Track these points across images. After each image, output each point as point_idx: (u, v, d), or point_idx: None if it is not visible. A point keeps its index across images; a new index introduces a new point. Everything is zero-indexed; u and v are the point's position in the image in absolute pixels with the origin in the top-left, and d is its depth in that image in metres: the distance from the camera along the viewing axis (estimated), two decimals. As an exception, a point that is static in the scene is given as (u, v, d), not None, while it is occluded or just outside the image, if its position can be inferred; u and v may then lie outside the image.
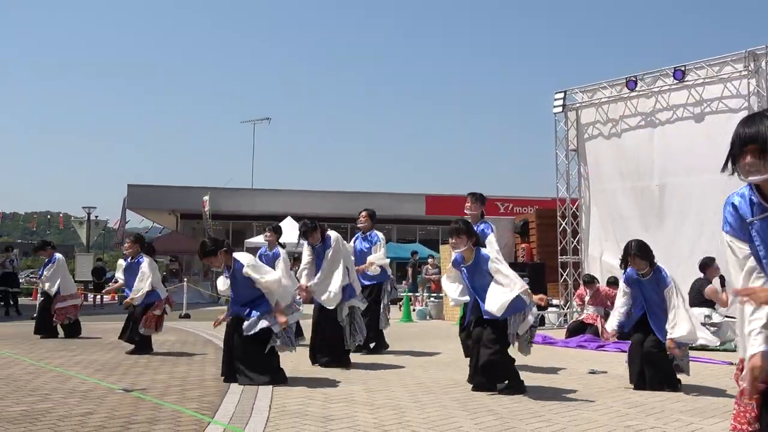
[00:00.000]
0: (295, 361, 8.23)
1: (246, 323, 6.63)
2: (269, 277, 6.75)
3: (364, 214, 9.71)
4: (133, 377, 7.03)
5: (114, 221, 36.40)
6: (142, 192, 32.03)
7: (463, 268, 6.48)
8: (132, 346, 9.15)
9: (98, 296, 23.90)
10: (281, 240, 10.37)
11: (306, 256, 8.13)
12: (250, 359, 6.63)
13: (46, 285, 11.72)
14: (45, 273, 11.83)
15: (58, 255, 12.02)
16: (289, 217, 23.95)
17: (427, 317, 18.17)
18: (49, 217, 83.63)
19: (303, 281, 8.01)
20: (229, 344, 6.79)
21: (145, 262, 9.28)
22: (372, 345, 9.33)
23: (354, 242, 9.66)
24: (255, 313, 6.65)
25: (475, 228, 7.99)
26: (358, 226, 9.72)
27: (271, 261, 10.17)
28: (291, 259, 10.45)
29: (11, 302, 18.90)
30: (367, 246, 9.48)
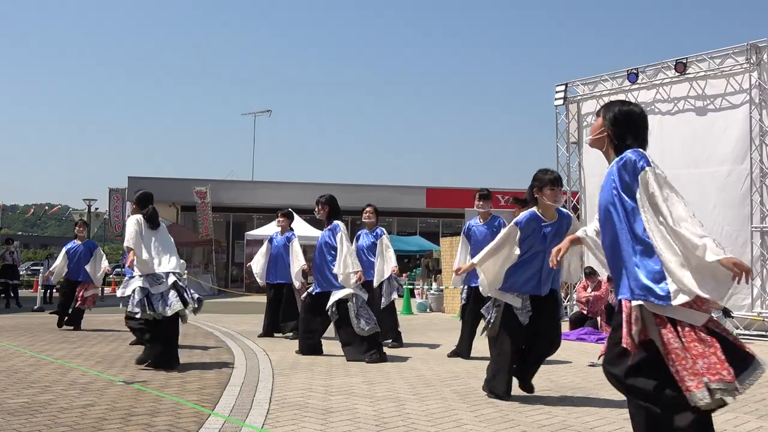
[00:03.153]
0: (296, 353, 8.26)
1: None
2: None
3: (370, 209, 9.63)
4: (133, 369, 7.04)
5: (114, 213, 36.36)
6: (143, 184, 31.95)
7: (546, 227, 5.64)
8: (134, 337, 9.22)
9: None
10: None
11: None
12: None
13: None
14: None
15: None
16: (289, 210, 23.90)
17: (428, 310, 18.19)
18: (46, 208, 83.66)
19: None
20: None
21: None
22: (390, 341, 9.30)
23: (357, 239, 9.61)
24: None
25: (492, 223, 8.24)
26: (365, 221, 9.65)
27: (282, 245, 10.39)
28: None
29: (11, 294, 18.90)
30: (373, 240, 9.44)
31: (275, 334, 10.48)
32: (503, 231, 5.78)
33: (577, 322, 11.98)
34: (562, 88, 14.79)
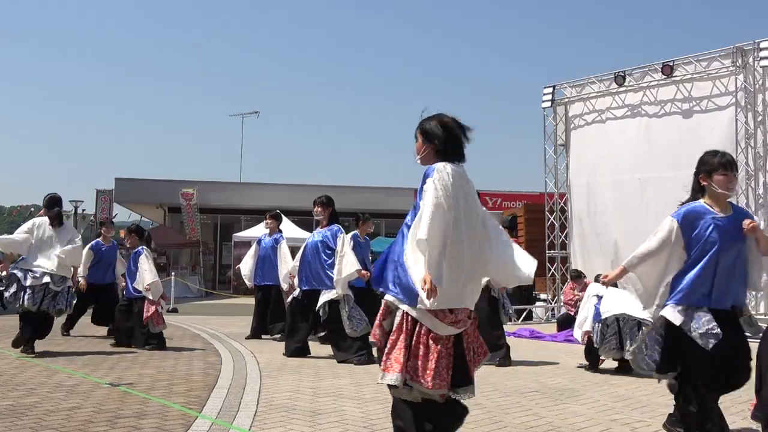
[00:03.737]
0: (283, 355, 8.24)
1: None
2: None
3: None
4: (119, 372, 7.00)
5: (101, 215, 36.18)
6: (130, 186, 31.83)
7: (718, 221, 4.29)
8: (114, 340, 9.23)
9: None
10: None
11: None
12: None
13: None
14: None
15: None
16: (277, 211, 23.84)
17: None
18: (32, 209, 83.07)
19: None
20: None
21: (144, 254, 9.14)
22: None
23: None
24: None
25: None
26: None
27: (270, 247, 10.40)
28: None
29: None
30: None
31: (263, 336, 10.45)
32: (660, 227, 4.42)
33: (565, 323, 12.01)
34: (550, 90, 14.87)
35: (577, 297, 12.12)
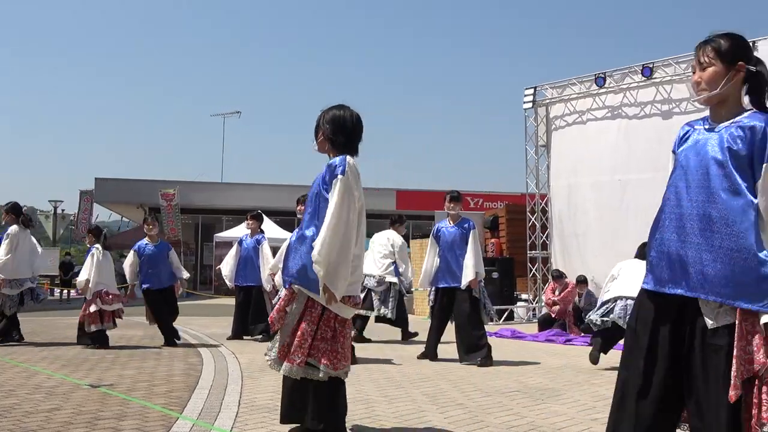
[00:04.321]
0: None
1: None
2: None
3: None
4: (99, 373, 6.95)
5: (75, 214, 35.91)
6: (110, 186, 31.62)
7: None
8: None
9: (65, 291, 23.62)
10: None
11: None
12: None
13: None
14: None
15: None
16: (258, 212, 23.77)
17: (397, 312, 18.17)
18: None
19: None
20: None
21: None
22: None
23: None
24: None
25: (462, 224, 8.29)
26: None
27: (252, 247, 10.41)
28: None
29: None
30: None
31: (244, 337, 10.42)
32: None
33: (546, 323, 12.09)
34: (531, 91, 14.93)
35: (556, 297, 12.20)
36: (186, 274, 10.37)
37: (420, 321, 13.63)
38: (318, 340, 3.96)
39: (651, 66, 12.72)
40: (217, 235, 26.83)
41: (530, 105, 14.93)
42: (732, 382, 2.57)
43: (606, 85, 13.48)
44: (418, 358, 8.36)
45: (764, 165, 2.63)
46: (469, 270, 7.94)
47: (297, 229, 4.28)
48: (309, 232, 4.08)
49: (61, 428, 4.52)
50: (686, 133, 3.03)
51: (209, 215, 32.24)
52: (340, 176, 3.97)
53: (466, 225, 8.29)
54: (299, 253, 4.06)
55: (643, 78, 12.82)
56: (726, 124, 2.80)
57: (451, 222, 8.42)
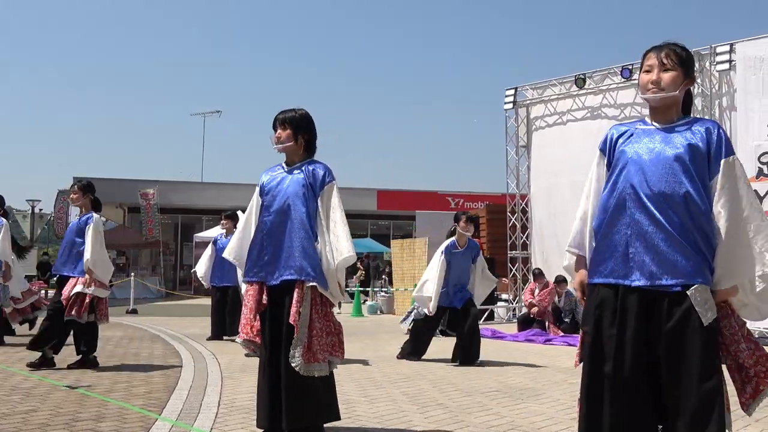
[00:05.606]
0: (245, 356, 8.19)
1: None
2: None
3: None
4: (78, 374, 6.89)
5: (59, 215, 35.58)
6: (89, 185, 31.40)
7: None
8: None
9: (43, 291, 23.36)
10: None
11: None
12: None
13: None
14: None
15: None
16: (239, 212, 23.71)
17: (378, 312, 18.21)
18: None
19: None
20: None
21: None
22: None
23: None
24: None
25: (471, 246, 8.45)
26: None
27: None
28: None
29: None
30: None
31: (224, 337, 10.37)
32: None
33: (526, 323, 12.13)
34: (512, 92, 14.99)
35: (535, 297, 12.25)
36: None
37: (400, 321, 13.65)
38: (328, 335, 4.17)
39: (630, 67, 12.81)
40: (196, 235, 26.71)
41: (511, 105, 15.00)
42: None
43: (586, 87, 13.56)
44: (397, 358, 8.38)
45: (722, 160, 2.91)
46: (481, 292, 8.65)
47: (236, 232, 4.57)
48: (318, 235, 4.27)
49: (39, 430, 4.47)
50: (625, 132, 3.17)
51: (189, 215, 32.07)
52: (334, 182, 4.30)
53: (475, 249, 8.48)
54: (308, 252, 4.15)
55: (623, 79, 12.91)
56: (678, 124, 3.06)
57: (460, 245, 8.39)
